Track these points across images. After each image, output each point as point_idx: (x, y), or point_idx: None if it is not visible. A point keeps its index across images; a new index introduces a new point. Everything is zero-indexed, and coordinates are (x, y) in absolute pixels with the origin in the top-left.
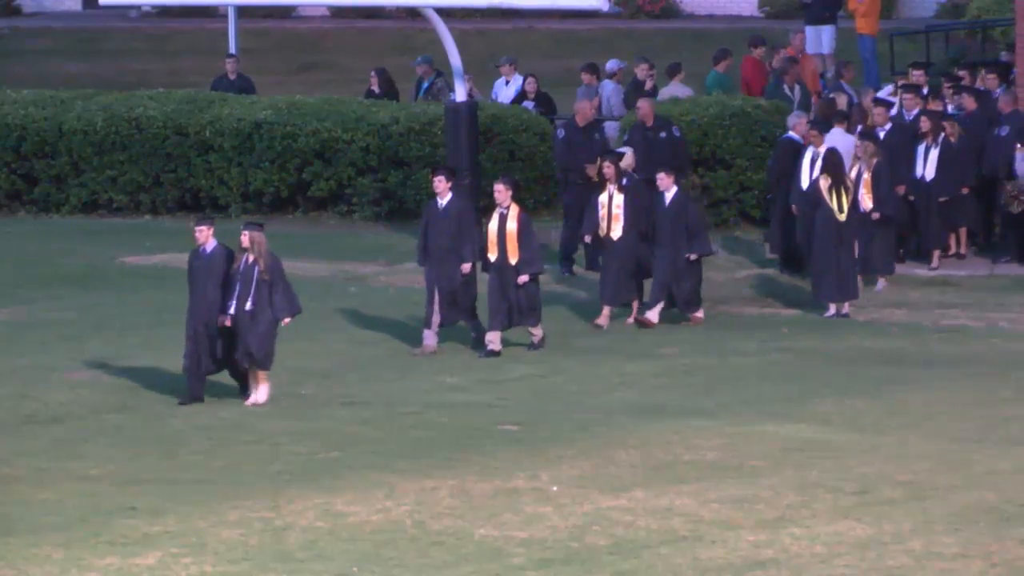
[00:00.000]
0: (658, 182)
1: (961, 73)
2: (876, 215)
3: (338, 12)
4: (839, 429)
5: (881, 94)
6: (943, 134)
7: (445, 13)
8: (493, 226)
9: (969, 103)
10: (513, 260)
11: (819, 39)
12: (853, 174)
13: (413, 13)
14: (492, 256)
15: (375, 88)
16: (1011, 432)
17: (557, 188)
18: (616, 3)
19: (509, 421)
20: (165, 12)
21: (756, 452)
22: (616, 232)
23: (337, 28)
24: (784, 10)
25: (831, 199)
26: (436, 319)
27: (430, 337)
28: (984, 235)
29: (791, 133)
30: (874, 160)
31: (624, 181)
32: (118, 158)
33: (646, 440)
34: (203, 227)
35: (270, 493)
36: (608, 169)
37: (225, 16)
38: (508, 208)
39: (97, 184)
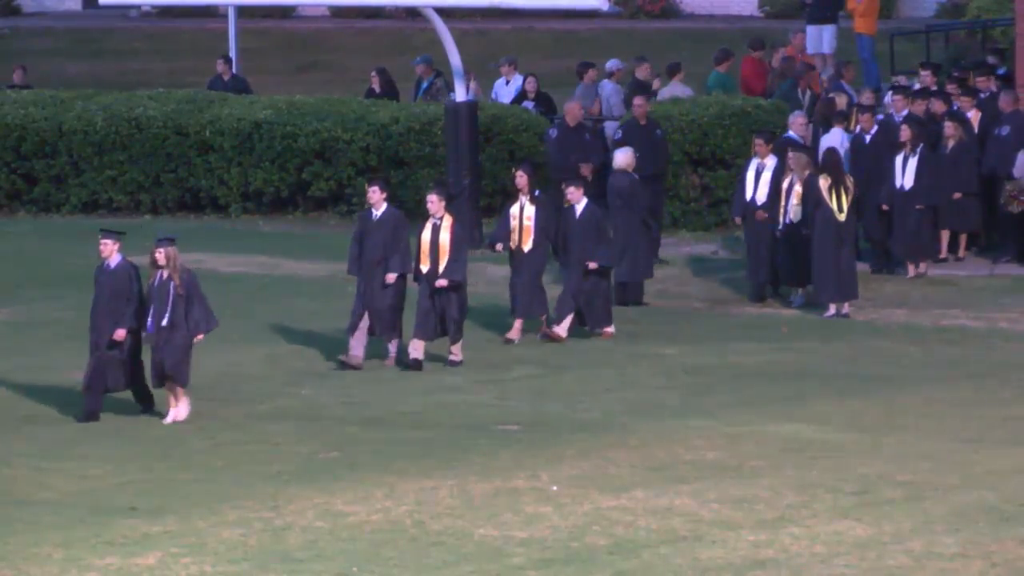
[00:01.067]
0: (568, 195)
1: (958, 74)
2: (807, 231)
3: (338, 12)
4: (839, 429)
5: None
6: (922, 144)
7: (445, 13)
8: (426, 236)
9: (938, 107)
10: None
11: (820, 39)
12: (785, 186)
13: (413, 13)
14: (424, 267)
15: (376, 87)
16: (1011, 432)
17: (552, 188)
18: (616, 3)
19: (509, 421)
20: (165, 12)
21: (756, 452)
22: (527, 245)
23: (337, 28)
24: (784, 10)
25: (831, 199)
26: (364, 324)
27: (358, 348)
28: (985, 236)
29: (791, 133)
30: (806, 173)
31: (536, 193)
32: (118, 158)
33: (646, 440)
34: (108, 240)
35: (270, 493)
36: (520, 179)
37: (225, 16)
38: (442, 219)
39: (97, 184)
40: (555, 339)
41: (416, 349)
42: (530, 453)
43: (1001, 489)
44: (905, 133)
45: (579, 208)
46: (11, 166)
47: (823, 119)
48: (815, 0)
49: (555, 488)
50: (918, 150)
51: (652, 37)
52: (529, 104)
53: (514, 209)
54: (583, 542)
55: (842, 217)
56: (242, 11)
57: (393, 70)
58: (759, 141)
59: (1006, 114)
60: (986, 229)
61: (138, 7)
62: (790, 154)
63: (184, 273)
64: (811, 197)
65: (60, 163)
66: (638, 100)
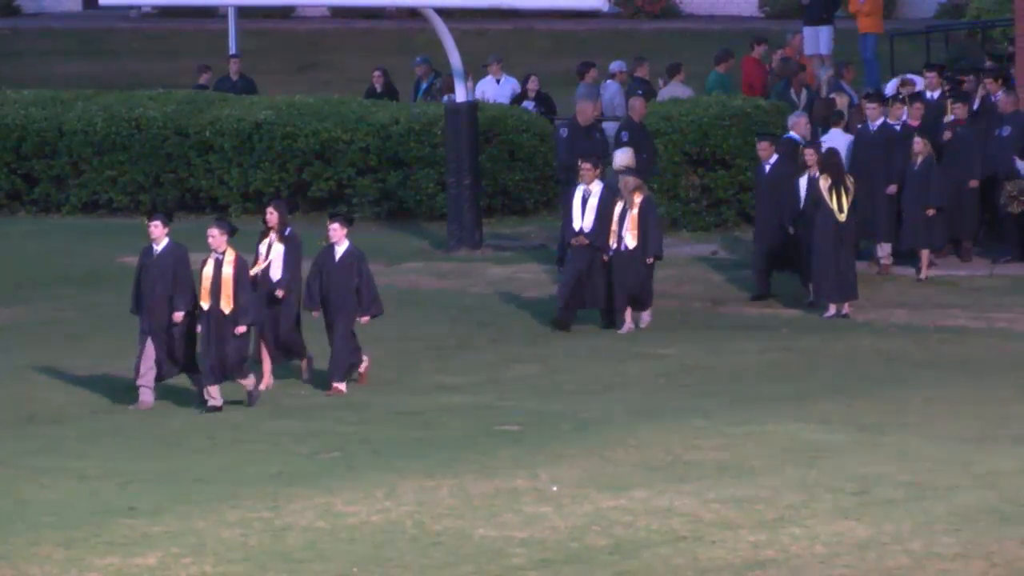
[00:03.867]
0: (330, 233)
1: (962, 77)
2: (651, 260)
3: (338, 12)
4: (839, 429)
5: (888, 89)
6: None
7: (445, 13)
8: (207, 272)
9: (895, 111)
10: (227, 309)
11: (817, 40)
12: (617, 211)
13: (413, 13)
14: (205, 304)
15: (377, 87)
16: (1011, 432)
17: (558, 188)
18: (616, 3)
19: (509, 421)
20: (165, 12)
21: (756, 452)
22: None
23: (337, 28)
24: (784, 10)
25: (831, 199)
26: (152, 373)
27: (147, 394)
28: (978, 238)
29: (791, 133)
30: (637, 197)
31: (287, 231)
32: (118, 158)
33: (646, 440)
34: None
35: (270, 493)
36: (271, 217)
37: (225, 16)
38: (224, 253)
39: (97, 184)
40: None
41: (214, 396)
42: (530, 453)
43: (1001, 489)
44: (810, 157)
45: (340, 250)
46: (11, 166)
47: (822, 119)
48: (812, 1)
49: (555, 488)
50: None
51: (652, 37)
52: (529, 104)
53: (262, 248)
54: (583, 542)
55: (842, 217)
56: (242, 11)
57: (393, 70)
58: (586, 166)
59: (1006, 115)
60: (987, 229)
61: (138, 7)
62: (620, 179)
63: None
64: (811, 197)
65: (60, 163)
66: (639, 100)
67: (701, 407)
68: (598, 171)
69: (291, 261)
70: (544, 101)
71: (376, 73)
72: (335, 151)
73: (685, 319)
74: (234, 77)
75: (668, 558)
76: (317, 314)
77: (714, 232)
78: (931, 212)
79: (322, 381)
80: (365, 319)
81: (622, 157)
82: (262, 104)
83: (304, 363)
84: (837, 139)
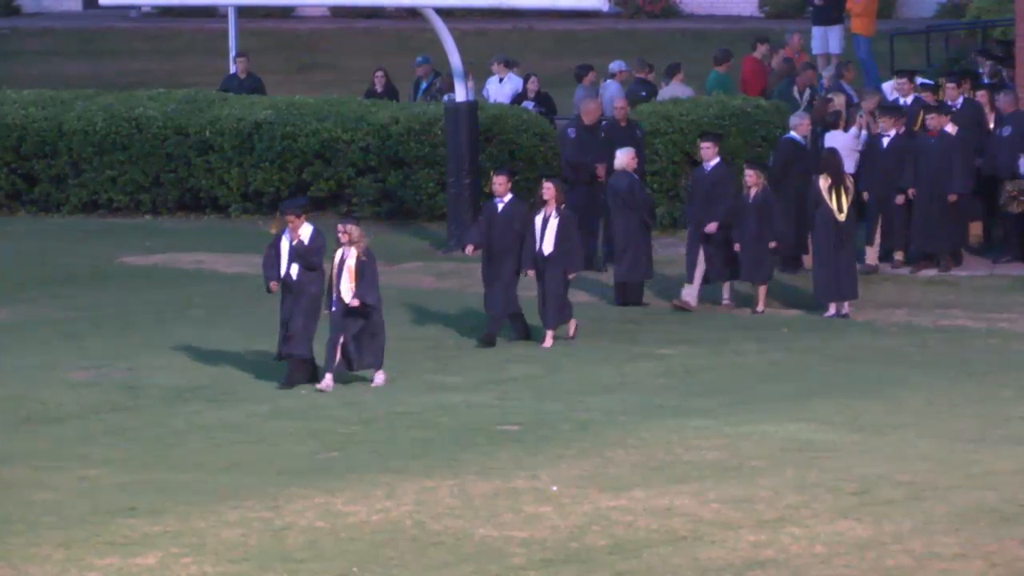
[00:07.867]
0: None
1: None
2: (356, 302)
3: (338, 12)
4: (839, 429)
5: (885, 89)
6: (565, 204)
7: (445, 13)
8: None
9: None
10: None
11: (826, 40)
12: (336, 259)
13: (413, 13)
14: None
15: (378, 87)
16: (1011, 432)
17: (563, 187)
18: (616, 3)
19: (509, 421)
20: (165, 12)
21: (756, 452)
22: None
23: (337, 28)
24: (784, 10)
25: (831, 199)
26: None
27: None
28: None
29: (792, 133)
30: (358, 247)
31: None
32: (118, 158)
33: (646, 440)
34: None
35: (270, 493)
36: None
37: (225, 16)
38: None
39: (97, 184)
40: None
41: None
42: (530, 453)
43: (1001, 489)
44: (548, 191)
45: None
46: (11, 166)
47: (821, 120)
48: (823, 1)
49: (555, 488)
50: (559, 210)
51: (652, 37)
52: (529, 104)
53: None
54: (583, 542)
55: (842, 217)
56: (242, 11)
57: (393, 70)
58: (290, 216)
59: (1006, 114)
60: (987, 230)
61: (138, 7)
62: (340, 226)
63: None
64: (811, 197)
65: (60, 163)
66: (623, 102)
67: (701, 407)
68: (302, 220)
69: None
70: (544, 101)
71: (379, 74)
72: (335, 151)
73: (685, 319)
74: (241, 75)
75: (668, 558)
76: None
77: None
78: (773, 245)
79: None
80: None
81: (622, 157)
82: (262, 104)
83: None
84: (837, 139)
